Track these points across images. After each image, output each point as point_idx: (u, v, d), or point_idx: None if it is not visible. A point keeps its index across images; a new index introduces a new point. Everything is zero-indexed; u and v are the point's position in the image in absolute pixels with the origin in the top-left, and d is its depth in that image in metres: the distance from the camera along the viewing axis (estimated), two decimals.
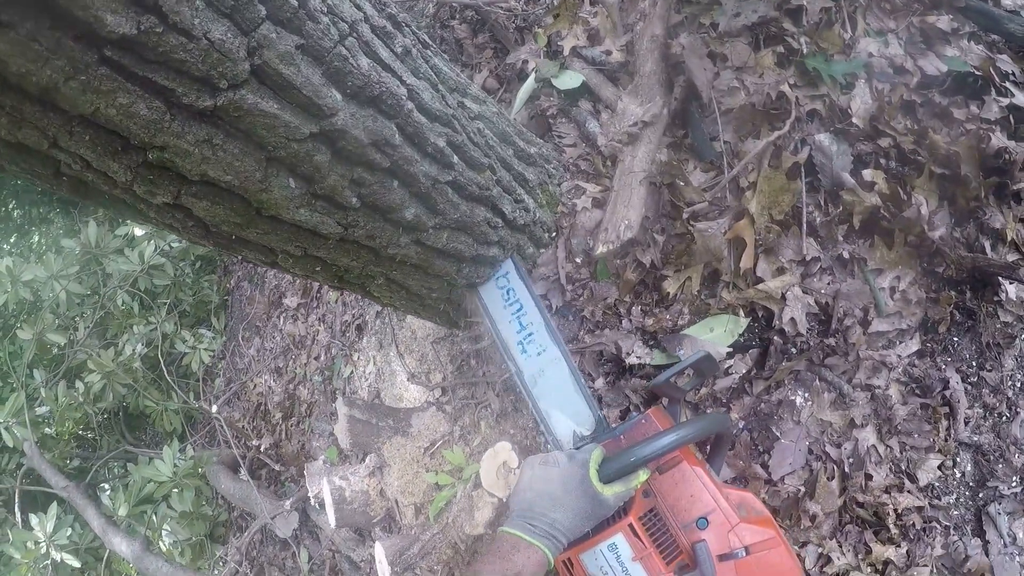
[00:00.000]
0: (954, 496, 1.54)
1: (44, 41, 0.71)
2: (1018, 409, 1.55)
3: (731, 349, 1.56)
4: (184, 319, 3.04)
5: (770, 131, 1.61)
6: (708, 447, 1.33)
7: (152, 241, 2.73)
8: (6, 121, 0.81)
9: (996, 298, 1.59)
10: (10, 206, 4.02)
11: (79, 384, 2.72)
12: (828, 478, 1.51)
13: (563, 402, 1.37)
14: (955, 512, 1.52)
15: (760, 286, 1.55)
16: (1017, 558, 1.49)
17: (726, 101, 1.65)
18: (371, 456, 1.79)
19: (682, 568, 1.06)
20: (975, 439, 1.54)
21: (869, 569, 1.48)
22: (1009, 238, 1.60)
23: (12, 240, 4.10)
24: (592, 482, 1.04)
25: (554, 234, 1.68)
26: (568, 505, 1.03)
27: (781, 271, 1.57)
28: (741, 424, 1.58)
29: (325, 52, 0.96)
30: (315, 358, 2.39)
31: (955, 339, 1.62)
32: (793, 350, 1.61)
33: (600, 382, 1.59)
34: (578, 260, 1.66)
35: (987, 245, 1.60)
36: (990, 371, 1.58)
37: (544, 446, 1.53)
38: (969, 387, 1.58)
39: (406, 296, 1.50)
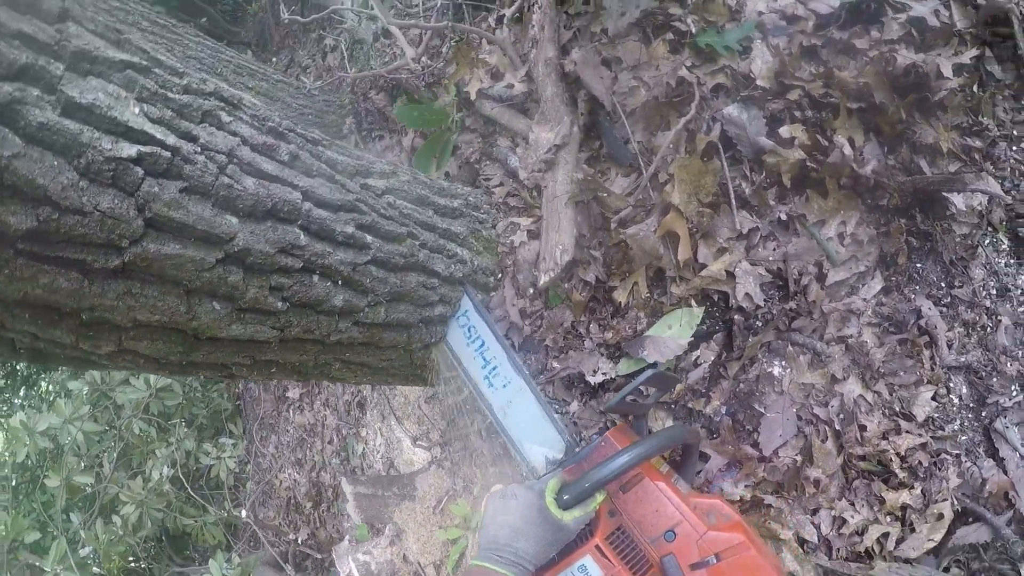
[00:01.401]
0: (957, 423, 1.58)
1: None
2: (999, 317, 1.59)
3: (692, 340, 1.65)
4: (203, 432, 3.26)
5: (678, 119, 1.72)
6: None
7: None
8: None
9: (948, 212, 1.65)
10: (13, 361, 4.36)
11: (115, 518, 2.94)
12: (822, 440, 1.58)
13: (533, 430, 1.49)
14: (963, 438, 1.57)
15: (704, 272, 1.65)
16: None
17: (629, 102, 1.77)
18: (388, 526, 1.93)
19: None
20: (963, 360, 1.59)
21: (889, 519, 1.53)
22: (945, 148, 1.66)
23: (21, 393, 4.47)
24: (550, 510, 1.16)
25: (500, 276, 1.81)
26: (530, 534, 1.14)
27: (721, 252, 1.66)
28: (723, 410, 1.66)
29: (209, 186, 1.12)
30: (328, 443, 2.56)
31: (918, 266, 1.68)
32: (758, 324, 1.70)
33: (575, 405, 1.71)
34: (530, 293, 1.79)
35: (924, 163, 1.67)
36: (961, 287, 1.63)
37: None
38: (944, 309, 1.63)
39: (370, 372, 1.65)
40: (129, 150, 1.01)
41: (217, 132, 1.17)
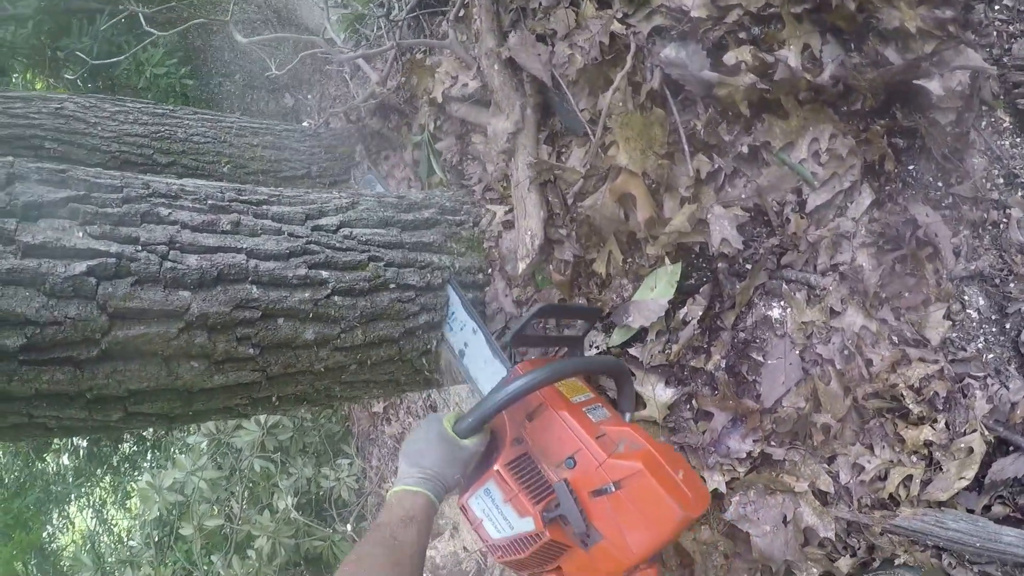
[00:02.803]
0: (981, 341, 1.45)
1: None
2: (1009, 209, 1.43)
3: (678, 296, 1.68)
4: (321, 458, 3.73)
5: (614, 76, 1.74)
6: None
7: None
8: (14, 433, 1.39)
9: (930, 101, 1.50)
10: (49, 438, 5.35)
11: (250, 552, 3.48)
12: (824, 383, 1.53)
13: (485, 366, 1.70)
14: (989, 356, 1.43)
15: (668, 228, 1.66)
16: None
17: (568, 72, 1.82)
18: (442, 522, 2.15)
19: (556, 506, 1.29)
20: (973, 267, 1.45)
21: (913, 458, 1.46)
22: (914, 28, 1.51)
23: (148, 457, 5.46)
24: (447, 431, 1.37)
25: (489, 270, 1.95)
26: (431, 453, 1.35)
27: (683, 202, 1.66)
28: (723, 364, 1.66)
29: (155, 274, 1.41)
30: None
31: (909, 168, 1.55)
32: (748, 266, 1.67)
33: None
34: (518, 281, 1.91)
35: (892, 52, 1.53)
36: (960, 184, 1.48)
37: None
38: (946, 213, 1.49)
39: (378, 387, 1.88)
40: (80, 267, 1.32)
41: (156, 227, 1.46)
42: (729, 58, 1.64)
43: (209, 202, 1.59)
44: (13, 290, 1.26)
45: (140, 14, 2.48)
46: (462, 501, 1.44)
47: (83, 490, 6.13)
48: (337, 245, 1.71)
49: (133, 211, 1.45)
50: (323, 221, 1.75)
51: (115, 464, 5.82)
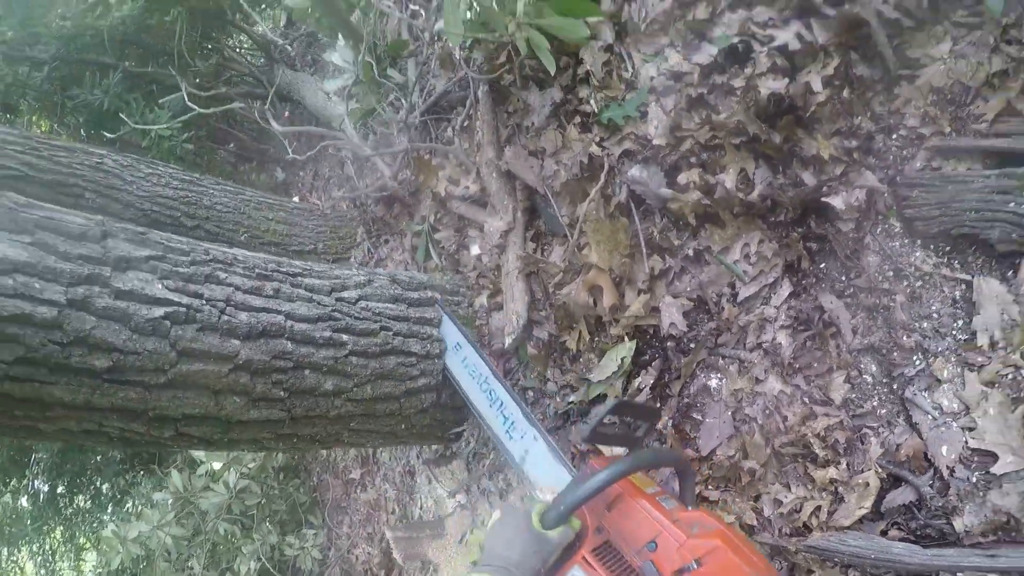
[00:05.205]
0: (875, 399, 1.96)
1: (75, 383, 1.67)
2: (895, 296, 1.98)
3: (633, 368, 2.17)
4: (285, 527, 3.99)
5: (590, 190, 2.31)
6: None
7: (232, 469, 3.77)
8: (74, 424, 1.78)
9: (836, 213, 2.08)
10: (98, 483, 5.55)
11: None
12: (751, 436, 2.02)
13: (549, 470, 1.96)
14: (882, 411, 1.95)
15: (628, 313, 2.18)
16: (953, 424, 1.87)
17: (554, 184, 2.38)
18: (417, 563, 2.51)
19: None
20: (867, 341, 1.98)
21: (822, 493, 1.93)
22: (827, 155, 2.09)
23: (109, 510, 5.63)
24: (535, 524, 1.57)
25: (479, 344, 2.43)
26: (518, 545, 1.54)
27: (640, 293, 2.19)
28: (670, 423, 2.15)
29: (214, 325, 1.86)
30: (391, 513, 3.18)
31: (821, 265, 2.10)
32: (692, 345, 2.19)
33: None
34: (503, 354, 2.40)
35: (808, 174, 2.11)
36: (858, 277, 2.04)
37: None
38: (847, 300, 2.04)
39: (380, 436, 2.30)
40: (159, 311, 1.77)
41: (216, 287, 1.92)
42: (682, 179, 2.22)
43: (256, 271, 2.06)
44: (106, 323, 1.69)
45: (184, 92, 2.97)
46: None
47: (38, 535, 6.26)
48: (356, 315, 2.18)
49: (199, 272, 1.91)
50: (345, 294, 2.22)
51: (68, 516, 5.97)
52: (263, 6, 6.00)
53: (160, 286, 1.81)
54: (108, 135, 4.65)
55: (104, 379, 1.71)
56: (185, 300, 1.83)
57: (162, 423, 1.85)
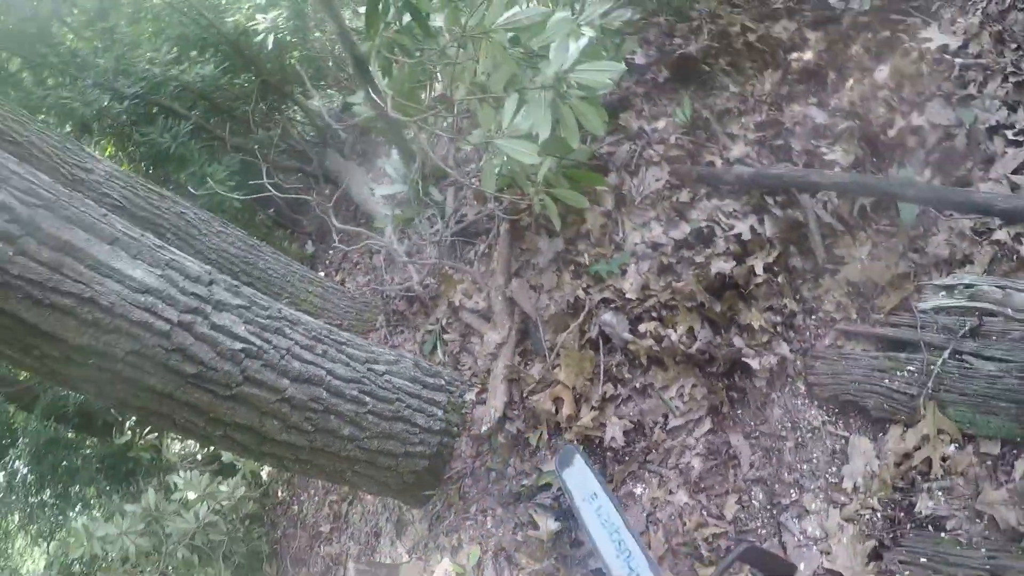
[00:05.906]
0: (759, 520, 2.58)
1: (167, 378, 2.33)
2: (787, 442, 2.64)
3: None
4: (239, 571, 4.38)
5: (570, 324, 3.03)
6: None
7: (205, 503, 4.14)
8: (155, 405, 2.41)
9: (753, 372, 2.78)
10: (70, 484, 5.88)
11: None
12: (655, 534, 2.63)
13: None
14: (762, 531, 2.56)
15: (579, 423, 2.84)
16: (814, 548, 2.47)
17: (544, 314, 3.11)
18: None
19: None
20: (759, 474, 2.62)
21: None
22: (757, 326, 2.83)
23: (77, 510, 5.99)
24: None
25: (460, 426, 3.08)
26: None
27: (593, 409, 2.86)
28: None
29: (275, 364, 2.54)
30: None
31: (737, 411, 2.78)
32: (627, 458, 2.83)
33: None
34: (479, 439, 3.04)
35: (739, 339, 2.83)
36: (763, 424, 2.71)
37: None
38: (752, 441, 2.70)
39: (375, 484, 2.90)
40: (238, 345, 2.45)
41: (282, 338, 2.61)
42: (642, 327, 2.93)
43: (312, 333, 2.75)
44: (200, 344, 2.36)
45: (264, 167, 3.78)
46: None
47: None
48: (380, 384, 2.85)
49: (272, 324, 2.61)
50: (375, 367, 2.89)
51: (31, 505, 6.23)
52: (323, 85, 6.84)
53: (243, 328, 2.50)
54: (173, 175, 5.36)
55: (188, 381, 2.35)
56: (258, 342, 2.51)
57: (216, 424, 2.48)
